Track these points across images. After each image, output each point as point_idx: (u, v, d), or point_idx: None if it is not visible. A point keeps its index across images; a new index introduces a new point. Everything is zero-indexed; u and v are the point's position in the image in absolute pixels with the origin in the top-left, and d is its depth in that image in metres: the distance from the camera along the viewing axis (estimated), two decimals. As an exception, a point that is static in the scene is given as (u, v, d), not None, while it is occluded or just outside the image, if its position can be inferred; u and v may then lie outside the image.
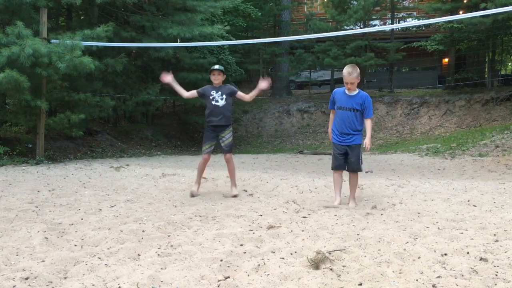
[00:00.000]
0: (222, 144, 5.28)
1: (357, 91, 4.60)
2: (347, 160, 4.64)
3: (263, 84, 5.18)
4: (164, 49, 12.65)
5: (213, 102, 5.19)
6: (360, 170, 4.67)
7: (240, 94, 5.34)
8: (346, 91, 4.61)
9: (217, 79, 5.23)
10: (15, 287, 2.30)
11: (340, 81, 15.45)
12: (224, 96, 5.20)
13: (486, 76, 18.91)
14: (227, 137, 5.26)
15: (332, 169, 4.81)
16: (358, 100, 4.55)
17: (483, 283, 2.34)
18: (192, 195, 5.19)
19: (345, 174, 4.85)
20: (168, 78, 5.28)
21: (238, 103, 16.37)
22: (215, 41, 13.79)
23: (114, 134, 13.46)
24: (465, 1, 17.40)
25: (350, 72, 4.51)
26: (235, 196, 5.19)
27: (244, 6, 19.03)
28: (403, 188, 5.88)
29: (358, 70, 4.58)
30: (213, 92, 5.21)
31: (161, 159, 11.14)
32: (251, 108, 19.11)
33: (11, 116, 9.64)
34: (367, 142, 4.44)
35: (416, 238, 3.27)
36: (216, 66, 5.26)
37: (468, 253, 2.87)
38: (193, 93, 5.37)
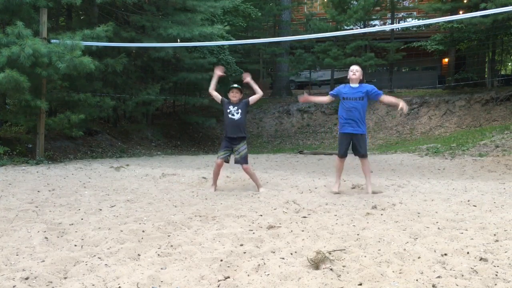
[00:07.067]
0: (237, 156, 5.64)
1: (359, 84, 5.33)
2: (355, 147, 5.35)
3: (247, 77, 5.73)
4: (164, 49, 12.65)
5: (230, 116, 5.62)
6: (366, 156, 5.47)
7: (253, 98, 5.72)
8: (351, 85, 5.32)
9: (235, 96, 5.64)
10: (15, 287, 2.30)
11: (340, 82, 15.43)
12: (239, 111, 5.62)
13: (486, 76, 18.91)
14: (241, 149, 5.64)
15: (339, 157, 5.51)
16: (362, 89, 5.28)
17: (483, 283, 2.34)
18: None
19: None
20: (219, 71, 5.72)
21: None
22: (215, 41, 13.79)
23: (114, 134, 13.45)
24: (465, 1, 17.40)
25: (355, 65, 5.52)
26: (260, 191, 5.58)
27: (244, 6, 19.02)
28: (403, 188, 5.88)
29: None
30: (230, 107, 5.63)
31: (161, 159, 11.14)
32: (251, 108, 19.09)
33: (11, 116, 9.64)
34: (403, 106, 5.10)
35: (416, 238, 3.27)
36: (235, 85, 5.67)
37: (468, 253, 2.86)
38: (217, 96, 5.79)
